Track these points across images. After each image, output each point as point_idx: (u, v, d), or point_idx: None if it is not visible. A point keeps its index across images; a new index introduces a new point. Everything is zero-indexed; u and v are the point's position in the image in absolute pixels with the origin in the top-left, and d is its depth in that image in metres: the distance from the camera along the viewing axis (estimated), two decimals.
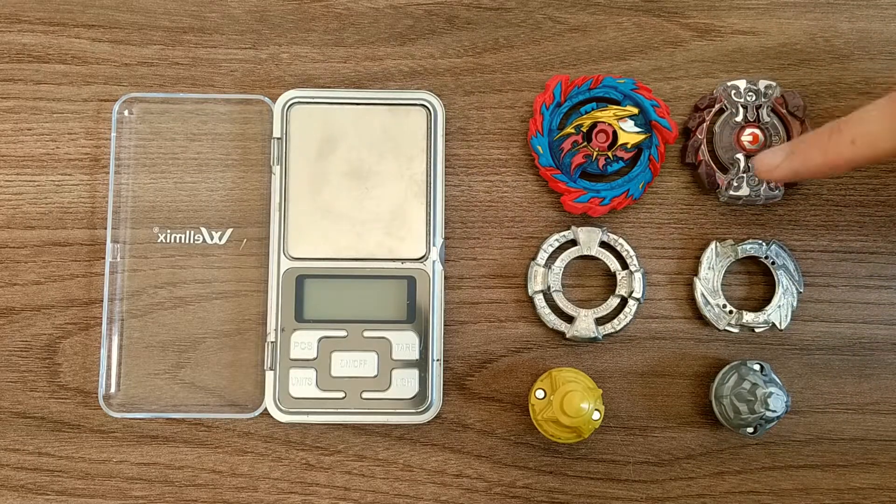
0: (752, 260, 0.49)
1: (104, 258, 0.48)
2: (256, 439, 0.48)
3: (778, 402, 0.44)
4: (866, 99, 0.50)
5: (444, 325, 0.48)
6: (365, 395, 0.47)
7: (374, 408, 0.46)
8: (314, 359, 0.47)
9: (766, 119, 0.49)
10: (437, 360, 0.47)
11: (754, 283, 0.49)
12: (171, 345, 0.48)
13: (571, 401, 0.43)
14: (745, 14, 0.51)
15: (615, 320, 0.48)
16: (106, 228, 0.48)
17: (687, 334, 0.49)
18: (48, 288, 0.48)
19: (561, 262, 0.48)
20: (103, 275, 0.47)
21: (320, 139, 0.48)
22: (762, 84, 0.49)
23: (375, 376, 0.47)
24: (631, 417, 0.48)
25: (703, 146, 0.49)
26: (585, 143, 0.48)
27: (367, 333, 0.47)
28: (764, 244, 0.48)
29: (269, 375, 0.47)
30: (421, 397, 0.47)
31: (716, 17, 0.51)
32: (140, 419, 0.47)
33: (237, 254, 0.48)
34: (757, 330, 0.48)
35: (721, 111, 0.49)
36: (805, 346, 0.49)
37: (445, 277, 0.48)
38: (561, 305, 0.48)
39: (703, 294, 0.48)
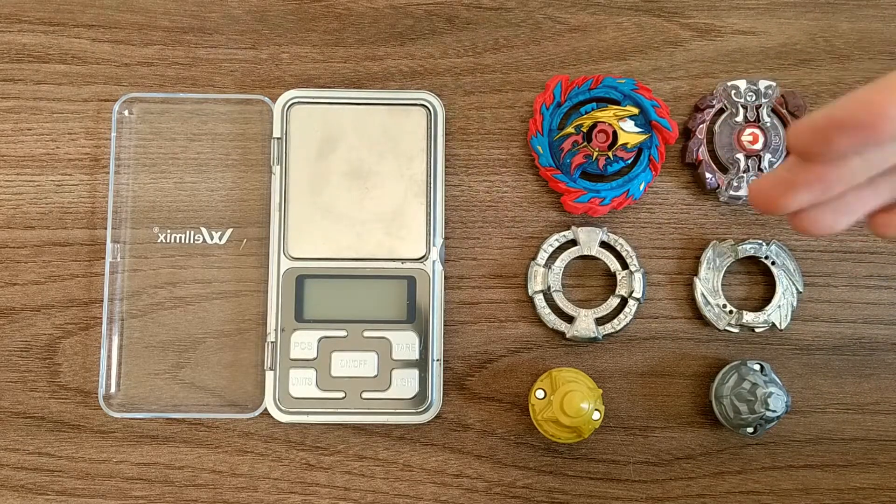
0: (752, 260, 0.49)
1: (104, 258, 0.48)
2: (256, 439, 0.48)
3: (778, 402, 0.44)
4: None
5: (444, 325, 0.48)
6: (365, 395, 0.47)
7: (374, 408, 0.46)
8: (314, 359, 0.47)
9: (766, 119, 0.49)
10: (437, 360, 0.47)
11: (754, 283, 0.49)
12: (171, 345, 0.48)
13: (571, 401, 0.43)
14: (745, 14, 0.51)
15: (615, 320, 0.48)
16: (106, 228, 0.48)
17: (687, 334, 0.49)
18: (48, 288, 0.48)
19: (561, 262, 0.48)
20: (103, 275, 0.47)
21: (320, 139, 0.48)
22: (762, 84, 0.49)
23: (375, 376, 0.47)
24: (631, 417, 0.48)
25: (703, 146, 0.49)
26: (585, 143, 0.48)
27: (367, 333, 0.47)
28: (764, 244, 0.48)
29: (269, 375, 0.47)
30: (421, 397, 0.47)
31: (716, 17, 0.51)
32: (140, 419, 0.47)
33: (237, 254, 0.48)
34: (757, 330, 0.48)
35: (721, 111, 0.49)
36: (805, 346, 0.49)
37: (445, 277, 0.48)
38: (561, 305, 0.48)
39: (703, 294, 0.48)
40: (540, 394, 0.45)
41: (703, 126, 0.49)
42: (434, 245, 0.47)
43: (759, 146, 0.48)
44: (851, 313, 0.49)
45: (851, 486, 0.48)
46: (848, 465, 0.48)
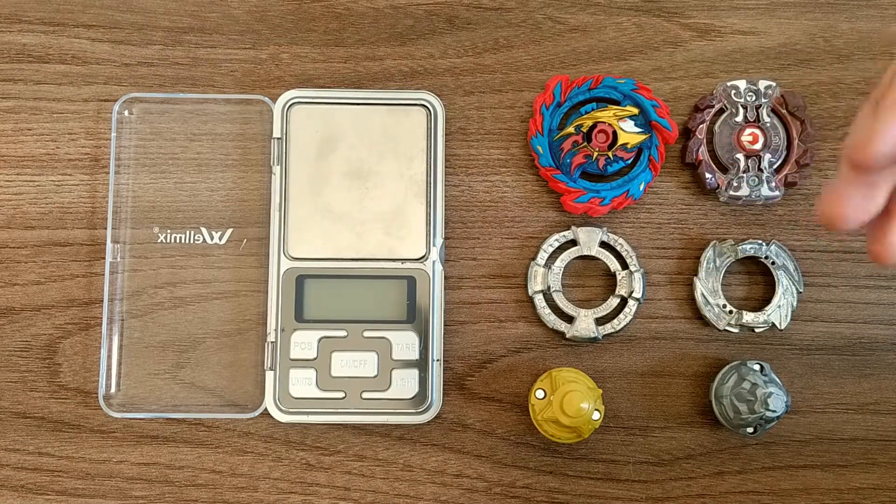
0: (752, 260, 0.49)
1: (104, 258, 0.48)
2: (256, 439, 0.48)
3: (778, 402, 0.44)
4: (866, 99, 0.50)
5: (444, 325, 0.47)
6: (365, 395, 0.47)
7: (374, 408, 0.46)
8: (314, 359, 0.47)
9: (766, 119, 0.49)
10: (437, 360, 0.47)
11: (754, 283, 0.49)
12: (171, 345, 0.48)
13: (571, 401, 0.43)
14: (745, 14, 0.51)
15: (615, 320, 0.48)
16: (106, 228, 0.48)
17: (687, 334, 0.49)
18: (48, 288, 0.48)
19: (561, 262, 0.48)
20: (103, 275, 0.47)
21: (320, 139, 0.48)
22: (762, 84, 0.49)
23: (375, 376, 0.47)
24: (631, 417, 0.48)
25: (703, 146, 0.49)
26: (585, 144, 0.48)
27: (367, 333, 0.47)
28: (764, 244, 0.48)
29: (269, 375, 0.46)
30: (421, 397, 0.47)
31: (716, 17, 0.51)
32: (140, 419, 0.47)
33: (237, 254, 0.48)
34: (757, 330, 0.48)
35: (721, 111, 0.49)
36: (805, 346, 0.49)
37: (445, 277, 0.48)
38: (561, 305, 0.48)
39: (703, 294, 0.48)
40: (540, 394, 0.45)
41: (703, 126, 0.49)
42: (434, 245, 0.47)
43: (759, 146, 0.48)
44: (851, 313, 0.49)
45: (851, 486, 0.48)
46: (848, 465, 0.48)
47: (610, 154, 0.48)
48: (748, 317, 0.48)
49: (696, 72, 0.50)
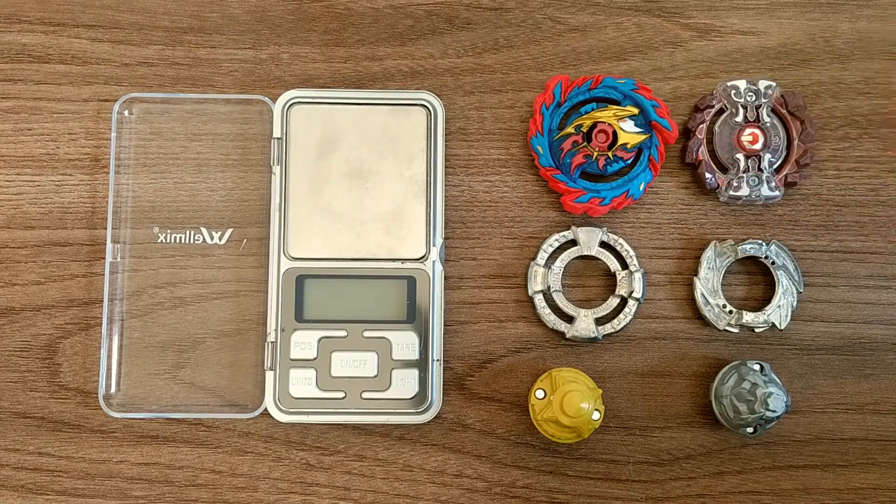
0: (752, 260, 0.49)
1: (104, 258, 0.48)
2: (256, 439, 0.48)
3: (778, 402, 0.44)
4: (866, 99, 0.50)
5: (444, 325, 0.48)
6: (365, 395, 0.47)
7: (374, 408, 0.46)
8: (314, 359, 0.47)
9: (766, 119, 0.49)
10: (437, 360, 0.47)
11: (754, 283, 0.49)
12: (171, 345, 0.48)
13: (571, 401, 0.43)
14: (745, 14, 0.51)
15: (615, 320, 0.48)
16: (106, 228, 0.48)
17: (687, 334, 0.49)
18: (48, 288, 0.48)
19: (561, 262, 0.48)
20: (103, 275, 0.47)
21: (320, 139, 0.48)
22: (762, 84, 0.49)
23: (375, 376, 0.47)
24: (631, 417, 0.48)
25: (703, 146, 0.49)
26: (585, 144, 0.48)
27: (367, 333, 0.47)
28: (764, 244, 0.48)
29: (269, 375, 0.47)
30: (421, 397, 0.47)
31: (716, 17, 0.51)
32: (140, 419, 0.47)
33: (237, 254, 0.48)
34: (757, 330, 0.48)
35: (721, 111, 0.49)
36: (805, 346, 0.49)
37: (445, 277, 0.48)
38: (561, 305, 0.48)
39: (703, 294, 0.48)
40: (540, 394, 0.45)
41: (703, 126, 0.49)
42: (434, 245, 0.47)
43: (758, 146, 0.48)
44: (851, 313, 0.49)
45: (851, 486, 0.48)
46: (848, 465, 0.48)
47: (610, 154, 0.48)
48: (748, 317, 0.48)
49: (696, 72, 0.50)
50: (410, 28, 0.51)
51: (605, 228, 0.49)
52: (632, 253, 0.48)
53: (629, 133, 0.48)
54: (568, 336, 0.48)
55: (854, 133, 0.50)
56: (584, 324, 0.48)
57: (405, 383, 0.47)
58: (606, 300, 0.48)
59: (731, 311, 0.48)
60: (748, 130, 0.49)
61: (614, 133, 0.48)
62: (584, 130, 0.48)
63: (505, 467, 0.48)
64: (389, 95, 0.49)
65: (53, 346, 0.48)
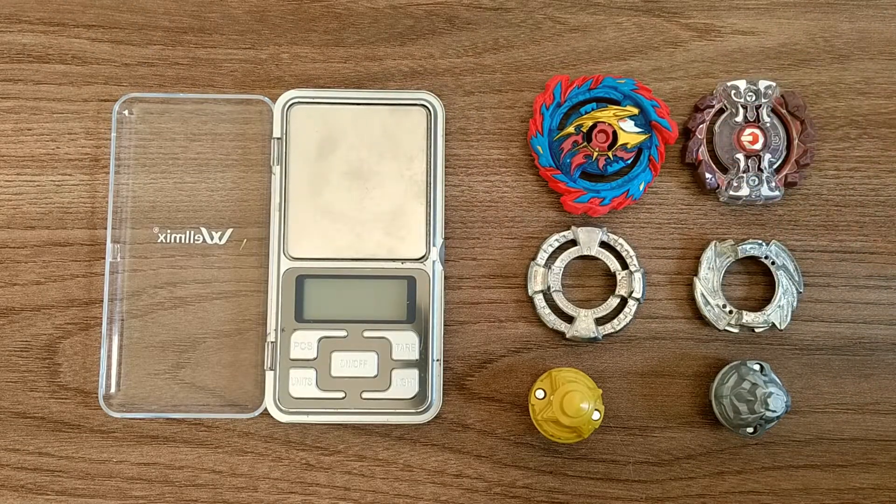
0: (752, 260, 0.49)
1: (104, 258, 0.48)
2: (256, 439, 0.48)
3: (778, 402, 0.44)
4: (866, 99, 0.50)
5: (444, 325, 0.48)
6: (365, 395, 0.47)
7: (374, 408, 0.46)
8: (314, 359, 0.47)
9: (766, 119, 0.49)
10: (437, 360, 0.47)
11: (754, 283, 0.49)
12: (171, 345, 0.48)
13: (571, 401, 0.43)
14: (745, 14, 0.51)
15: (615, 320, 0.48)
16: (106, 228, 0.48)
17: (687, 334, 0.49)
18: (48, 288, 0.48)
19: (561, 262, 0.48)
20: (103, 275, 0.47)
21: (320, 139, 0.48)
22: (762, 84, 0.49)
23: (375, 376, 0.47)
24: (631, 417, 0.48)
25: (703, 146, 0.49)
26: (585, 144, 0.48)
27: (367, 333, 0.47)
28: (764, 244, 0.48)
29: (269, 375, 0.47)
30: (421, 397, 0.47)
31: (716, 17, 0.51)
32: (140, 419, 0.47)
33: (237, 254, 0.48)
34: (757, 330, 0.48)
35: (721, 111, 0.49)
36: (805, 346, 0.49)
37: (445, 277, 0.48)
38: (561, 305, 0.48)
39: (703, 294, 0.48)
40: (540, 394, 0.45)
41: (703, 126, 0.49)
42: (434, 245, 0.47)
43: (758, 146, 0.48)
44: (851, 313, 0.49)
45: (851, 486, 0.48)
46: (848, 465, 0.48)
47: (610, 154, 0.48)
48: (748, 317, 0.48)
49: (696, 72, 0.50)
50: (410, 28, 0.51)
51: (605, 228, 0.49)
52: (632, 253, 0.48)
53: (629, 133, 0.48)
54: (568, 336, 0.48)
55: (854, 133, 0.50)
56: (584, 324, 0.48)
57: (405, 383, 0.47)
58: (606, 300, 0.48)
59: (731, 311, 0.48)
60: (748, 130, 0.49)
61: (614, 133, 0.48)
62: (584, 130, 0.48)
63: (505, 467, 0.48)
64: (389, 95, 0.49)
65: (53, 346, 0.48)
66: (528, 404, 0.47)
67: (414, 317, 0.47)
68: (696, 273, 0.49)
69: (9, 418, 0.48)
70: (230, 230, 0.48)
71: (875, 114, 0.50)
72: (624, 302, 0.48)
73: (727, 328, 0.48)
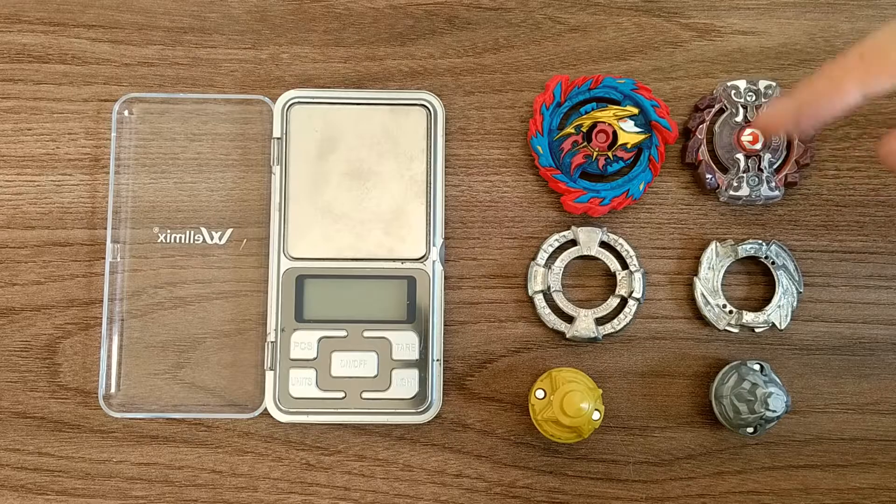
0: (752, 260, 0.49)
1: (104, 258, 0.48)
2: (256, 439, 0.48)
3: (778, 402, 0.44)
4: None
5: (444, 325, 0.48)
6: (365, 395, 0.47)
7: (374, 408, 0.46)
8: (314, 359, 0.47)
9: None
10: (437, 360, 0.47)
11: (754, 283, 0.49)
12: (171, 345, 0.48)
13: (571, 401, 0.43)
14: (745, 14, 0.51)
15: (615, 320, 0.48)
16: (106, 228, 0.48)
17: (687, 334, 0.49)
18: (48, 288, 0.48)
19: (561, 262, 0.48)
20: (103, 275, 0.47)
21: (320, 139, 0.48)
22: (762, 84, 0.49)
23: (375, 376, 0.47)
24: (631, 417, 0.48)
25: (703, 146, 0.49)
26: (585, 144, 0.48)
27: (367, 333, 0.47)
28: (764, 244, 0.48)
29: (269, 375, 0.47)
30: (421, 397, 0.47)
31: (716, 17, 0.51)
32: (140, 419, 0.47)
33: (237, 254, 0.48)
34: (757, 330, 0.48)
35: (721, 111, 0.49)
36: (805, 346, 0.49)
37: (445, 277, 0.48)
38: (561, 305, 0.48)
39: (703, 294, 0.48)
40: (540, 394, 0.45)
41: (703, 126, 0.49)
42: (434, 245, 0.47)
43: (759, 146, 0.48)
44: (851, 313, 0.49)
45: (851, 486, 0.48)
46: (848, 465, 0.48)
47: (610, 154, 0.48)
48: (748, 317, 0.48)
49: (696, 72, 0.50)
50: (410, 28, 0.51)
51: (605, 228, 0.49)
52: (632, 253, 0.48)
53: (629, 133, 0.48)
54: (568, 336, 0.48)
55: (854, 133, 0.50)
56: (584, 324, 0.48)
57: (405, 383, 0.47)
58: (606, 300, 0.48)
59: (731, 311, 0.48)
60: (748, 130, 0.49)
61: (614, 133, 0.48)
62: (584, 130, 0.48)
63: (505, 467, 0.48)
64: (389, 95, 0.49)
65: (53, 346, 0.48)
66: (528, 404, 0.47)
67: (414, 317, 0.47)
68: (696, 273, 0.49)
69: (9, 418, 0.48)
70: (230, 230, 0.48)
71: (875, 114, 0.50)
72: (624, 302, 0.48)
73: (727, 328, 0.48)
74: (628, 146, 0.48)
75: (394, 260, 0.47)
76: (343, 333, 0.47)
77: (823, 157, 0.50)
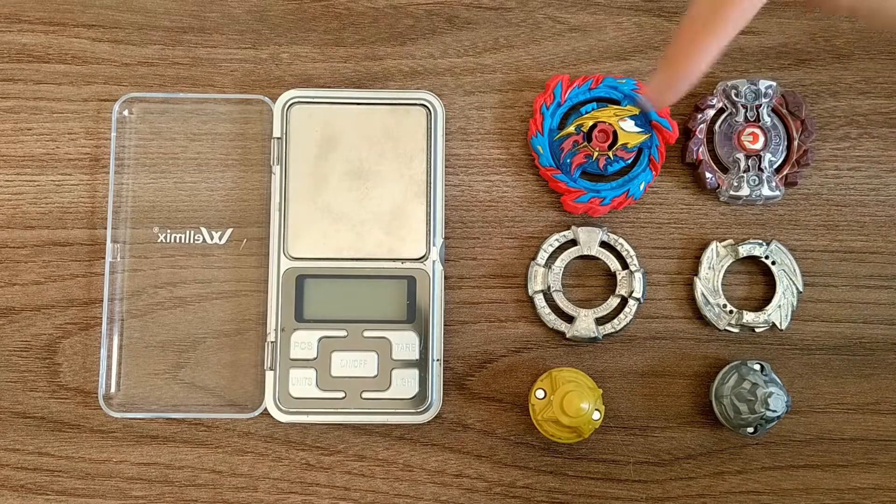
0: (752, 260, 0.49)
1: (104, 258, 0.48)
2: (256, 439, 0.48)
3: (778, 402, 0.44)
4: (866, 99, 0.50)
5: (444, 325, 0.47)
6: (365, 395, 0.47)
7: (374, 408, 0.46)
8: (314, 359, 0.47)
9: (766, 119, 0.49)
10: (437, 360, 0.47)
11: (754, 283, 0.49)
12: (171, 345, 0.48)
13: (571, 401, 0.43)
14: None
15: (615, 320, 0.48)
16: (106, 228, 0.48)
17: (687, 334, 0.49)
18: (48, 288, 0.48)
19: (561, 262, 0.48)
20: (103, 275, 0.47)
21: (320, 139, 0.48)
22: (762, 84, 0.49)
23: (375, 376, 0.47)
24: (631, 417, 0.48)
25: (703, 146, 0.49)
26: (585, 143, 0.48)
27: (367, 333, 0.47)
28: (764, 244, 0.48)
29: (269, 375, 0.46)
30: (421, 397, 0.47)
31: None
32: (140, 419, 0.47)
33: (237, 254, 0.48)
34: (757, 330, 0.48)
35: (721, 111, 0.49)
36: (805, 346, 0.49)
37: (445, 277, 0.48)
38: (561, 305, 0.48)
39: (703, 294, 0.48)
40: (540, 394, 0.45)
41: (703, 126, 0.49)
42: (434, 245, 0.47)
43: (759, 146, 0.48)
44: (851, 313, 0.49)
45: (851, 486, 0.48)
46: (848, 465, 0.48)
47: (610, 154, 0.48)
48: (748, 317, 0.48)
49: None
50: (410, 28, 0.51)
51: (605, 228, 0.49)
52: (632, 253, 0.48)
53: (629, 133, 0.48)
54: (568, 336, 0.48)
55: (854, 133, 0.50)
56: (585, 324, 0.48)
57: (405, 383, 0.47)
58: (606, 300, 0.48)
59: (731, 311, 0.48)
60: (748, 130, 0.49)
61: (614, 133, 0.48)
62: (585, 130, 0.48)
63: (505, 467, 0.48)
64: (389, 95, 0.49)
65: (53, 346, 0.48)
66: (528, 404, 0.47)
67: (414, 317, 0.47)
68: (696, 273, 0.49)
69: (9, 418, 0.48)
70: (230, 230, 0.48)
71: (875, 113, 0.50)
72: (624, 302, 0.48)
73: (727, 328, 0.48)
74: (629, 146, 0.48)
75: (394, 260, 0.47)
76: (343, 333, 0.47)
77: (823, 157, 0.50)
